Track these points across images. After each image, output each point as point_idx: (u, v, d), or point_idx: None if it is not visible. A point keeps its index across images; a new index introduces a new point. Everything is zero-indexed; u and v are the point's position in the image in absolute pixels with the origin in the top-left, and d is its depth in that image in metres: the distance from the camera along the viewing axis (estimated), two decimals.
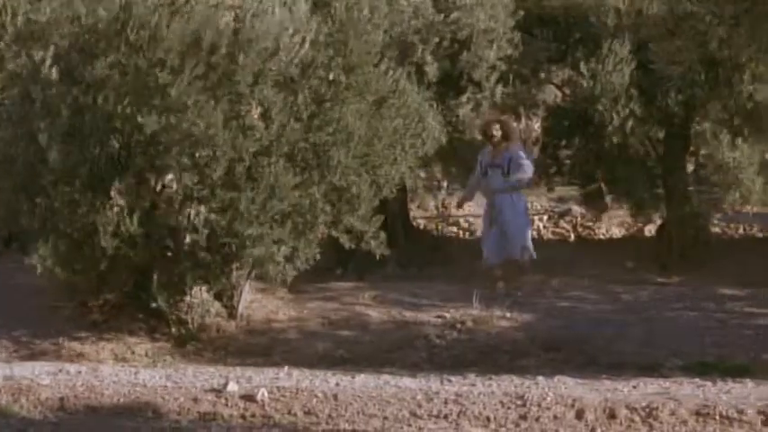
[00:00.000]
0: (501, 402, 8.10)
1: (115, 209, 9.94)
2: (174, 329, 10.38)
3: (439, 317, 10.56)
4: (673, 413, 7.77)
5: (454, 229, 14.81)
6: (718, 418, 7.70)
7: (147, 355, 10.17)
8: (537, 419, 7.90)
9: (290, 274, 10.15)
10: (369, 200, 10.28)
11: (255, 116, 10.01)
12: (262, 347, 10.25)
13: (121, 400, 8.52)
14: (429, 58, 11.99)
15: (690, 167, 13.09)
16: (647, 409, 7.82)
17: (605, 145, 12.41)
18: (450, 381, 8.88)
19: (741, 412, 7.72)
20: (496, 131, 11.69)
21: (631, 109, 12.02)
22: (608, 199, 13.46)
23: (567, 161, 13.26)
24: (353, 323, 10.62)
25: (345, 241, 10.35)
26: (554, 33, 12.78)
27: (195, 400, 8.42)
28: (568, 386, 8.61)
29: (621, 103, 11.96)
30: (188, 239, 10.11)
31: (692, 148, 12.90)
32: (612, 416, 7.84)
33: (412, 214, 14.26)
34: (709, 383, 8.66)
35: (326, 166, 10.04)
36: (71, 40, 10.05)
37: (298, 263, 10.15)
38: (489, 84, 12.23)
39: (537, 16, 12.68)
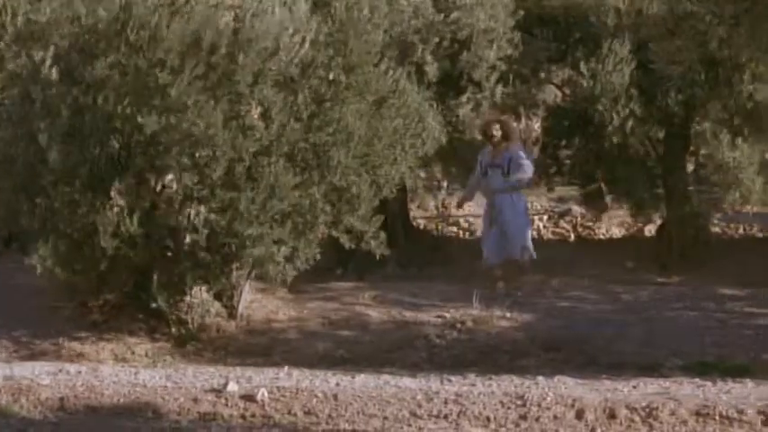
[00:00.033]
0: (501, 402, 8.10)
1: (115, 209, 9.94)
2: (173, 329, 10.38)
3: (439, 317, 10.56)
4: (673, 413, 7.77)
5: (454, 228, 14.81)
6: (718, 418, 7.70)
7: (147, 355, 10.17)
8: (537, 419, 7.90)
9: (290, 274, 10.15)
10: (369, 200, 10.28)
11: (255, 116, 10.01)
12: (262, 347, 10.25)
13: (121, 400, 8.51)
14: (429, 57, 11.99)
15: (690, 167, 13.09)
16: (647, 409, 7.82)
17: (605, 145, 12.41)
18: (450, 381, 8.88)
19: (741, 412, 7.72)
20: (496, 131, 11.69)
21: (631, 109, 12.01)
22: (608, 199, 13.46)
23: (567, 161, 13.26)
24: (353, 323, 10.62)
25: (345, 241, 10.35)
26: (554, 33, 12.78)
27: (195, 400, 8.42)
28: (568, 386, 8.61)
29: (621, 102, 11.96)
30: (188, 239, 10.11)
31: (692, 148, 12.90)
32: (612, 416, 7.84)
33: (412, 214, 14.26)
34: (709, 383, 8.65)
35: (326, 166, 10.04)
36: (71, 41, 10.04)
37: (298, 263, 10.15)
38: (489, 84, 12.23)
39: (537, 16, 12.68)
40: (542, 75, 13.06)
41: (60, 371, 9.24)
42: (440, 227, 14.87)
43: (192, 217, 10.05)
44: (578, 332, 10.05)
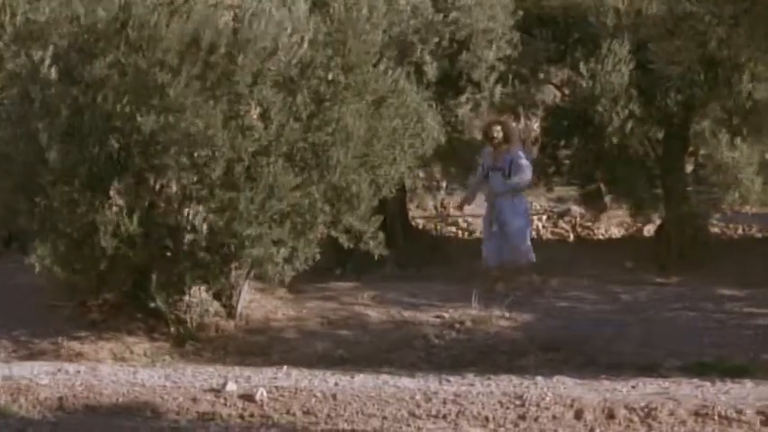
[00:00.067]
0: (500, 402, 8.10)
1: (114, 209, 9.95)
2: (172, 329, 10.38)
3: (438, 317, 10.56)
4: (671, 413, 7.77)
5: (453, 228, 14.81)
6: (716, 418, 7.71)
7: (145, 354, 10.17)
8: (536, 419, 7.90)
9: (289, 274, 10.16)
10: (368, 200, 10.28)
11: (254, 116, 10.01)
12: (261, 347, 10.25)
13: (120, 399, 8.52)
14: (428, 57, 11.98)
15: (689, 167, 13.09)
16: (646, 410, 7.82)
17: (604, 145, 12.41)
18: (448, 381, 8.88)
19: (740, 412, 7.72)
20: (497, 133, 11.70)
21: (631, 109, 12.01)
22: (607, 199, 13.45)
23: (567, 161, 13.25)
24: (352, 323, 10.62)
25: (344, 241, 10.36)
26: (553, 33, 12.77)
27: (194, 399, 8.42)
28: (567, 386, 8.61)
29: (621, 103, 11.96)
30: (187, 239, 10.11)
31: (691, 148, 12.89)
32: (611, 416, 7.84)
33: (411, 214, 14.26)
34: (707, 384, 8.65)
35: (326, 166, 10.04)
36: (70, 40, 10.05)
37: (297, 263, 10.16)
38: (488, 84, 12.23)
39: (536, 16, 12.67)
40: (541, 75, 13.05)
41: (59, 370, 9.24)
42: (439, 227, 14.87)
43: (191, 217, 10.05)
44: (577, 332, 10.05)
